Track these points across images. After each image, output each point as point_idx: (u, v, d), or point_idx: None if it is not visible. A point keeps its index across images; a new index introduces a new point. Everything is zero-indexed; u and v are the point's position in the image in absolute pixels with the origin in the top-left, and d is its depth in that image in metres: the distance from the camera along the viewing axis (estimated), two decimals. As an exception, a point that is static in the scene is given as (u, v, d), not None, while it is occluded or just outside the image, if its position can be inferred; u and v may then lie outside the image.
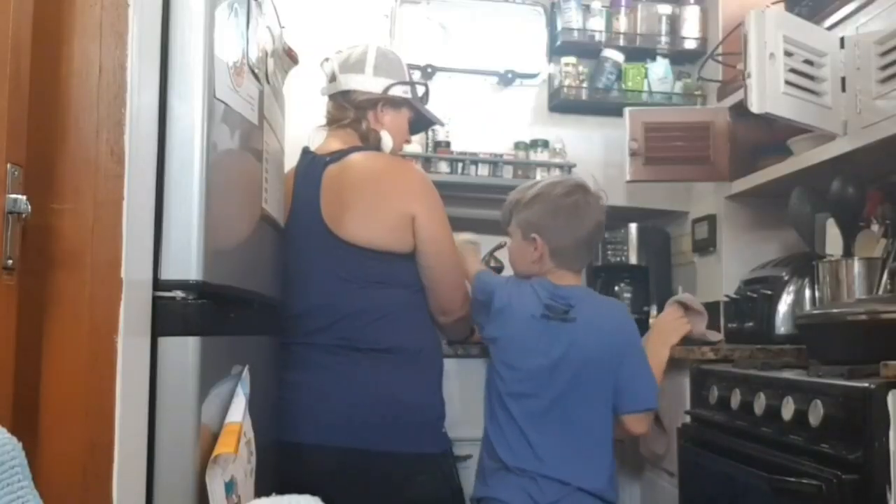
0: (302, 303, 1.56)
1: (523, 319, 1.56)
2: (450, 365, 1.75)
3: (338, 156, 1.61)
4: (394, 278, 1.57)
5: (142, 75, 0.97)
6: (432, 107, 2.50)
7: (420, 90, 1.76)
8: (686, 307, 1.80)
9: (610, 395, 1.55)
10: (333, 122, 1.70)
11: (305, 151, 1.68)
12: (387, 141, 1.67)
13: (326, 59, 1.73)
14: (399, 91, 1.70)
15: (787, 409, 1.23)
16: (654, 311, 2.41)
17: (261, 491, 1.19)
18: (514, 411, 1.53)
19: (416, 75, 2.52)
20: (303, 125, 2.19)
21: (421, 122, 1.82)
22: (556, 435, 1.51)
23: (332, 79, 1.71)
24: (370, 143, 1.67)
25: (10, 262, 0.82)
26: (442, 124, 1.94)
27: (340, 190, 1.56)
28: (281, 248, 1.53)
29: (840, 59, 1.72)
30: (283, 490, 1.42)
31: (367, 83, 1.68)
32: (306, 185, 1.60)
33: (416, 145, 2.48)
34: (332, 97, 1.72)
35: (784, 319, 1.90)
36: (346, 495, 1.42)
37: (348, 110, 1.67)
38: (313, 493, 1.44)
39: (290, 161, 1.91)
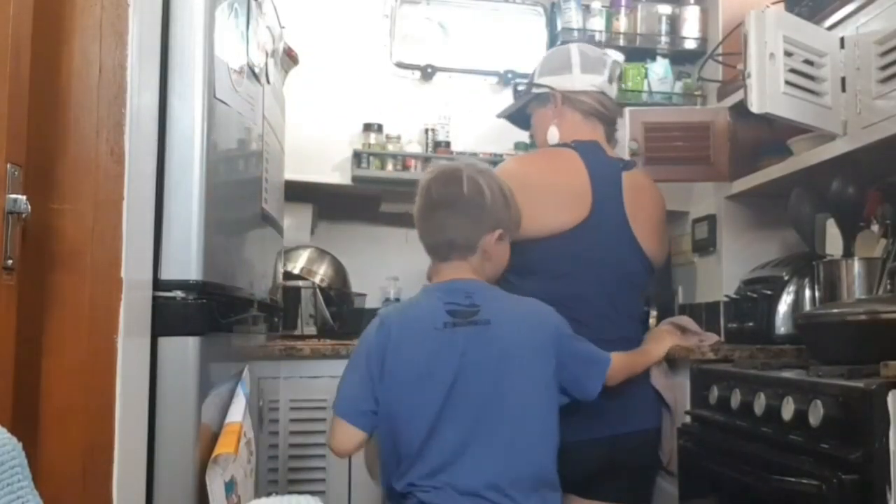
0: (586, 297, 1.57)
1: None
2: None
3: (628, 164, 1.71)
4: (643, 290, 1.72)
5: (142, 75, 0.97)
6: (433, 107, 2.52)
7: None
8: (683, 329, 1.80)
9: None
10: (610, 123, 1.75)
11: (592, 146, 1.67)
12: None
13: (615, 62, 1.77)
14: None
15: (787, 409, 1.23)
16: (653, 311, 2.41)
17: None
18: None
19: (417, 75, 2.53)
20: (303, 125, 2.21)
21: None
22: None
23: (616, 83, 1.77)
24: (629, 161, 1.78)
25: (10, 262, 0.82)
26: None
27: (639, 199, 1.65)
28: (570, 236, 1.54)
29: (840, 59, 1.72)
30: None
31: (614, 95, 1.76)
32: (605, 183, 1.63)
33: (415, 145, 2.49)
34: (611, 98, 1.75)
35: (784, 319, 1.90)
36: (645, 469, 1.65)
37: (616, 118, 1.76)
38: (639, 471, 1.60)
39: (291, 160, 1.91)
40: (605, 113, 1.72)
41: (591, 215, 1.58)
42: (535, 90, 1.74)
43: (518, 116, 1.84)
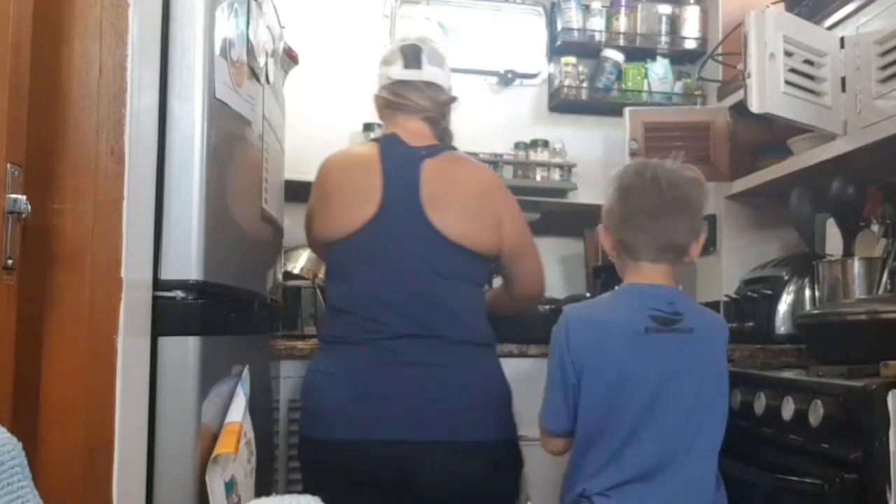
0: (389, 294, 1.50)
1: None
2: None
3: (432, 150, 1.59)
4: (477, 277, 1.58)
5: (142, 75, 0.97)
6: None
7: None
8: None
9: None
10: (413, 110, 1.61)
11: (391, 138, 1.61)
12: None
13: (404, 41, 1.67)
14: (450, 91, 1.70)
15: (788, 409, 1.23)
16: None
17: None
18: None
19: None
20: (303, 125, 2.21)
21: None
22: None
23: (416, 65, 1.62)
24: (445, 140, 1.66)
25: (11, 261, 0.82)
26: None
27: (441, 186, 1.54)
28: (360, 235, 1.50)
29: (840, 59, 1.72)
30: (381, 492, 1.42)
31: (447, 80, 1.65)
32: (400, 174, 1.55)
33: (416, 145, 2.48)
34: (408, 83, 1.62)
35: (784, 319, 1.90)
36: (467, 489, 1.45)
37: (431, 102, 1.62)
38: (429, 493, 1.44)
39: (291, 161, 1.91)
40: (404, 101, 1.61)
41: (380, 210, 1.51)
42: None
43: None
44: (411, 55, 1.62)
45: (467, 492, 1.45)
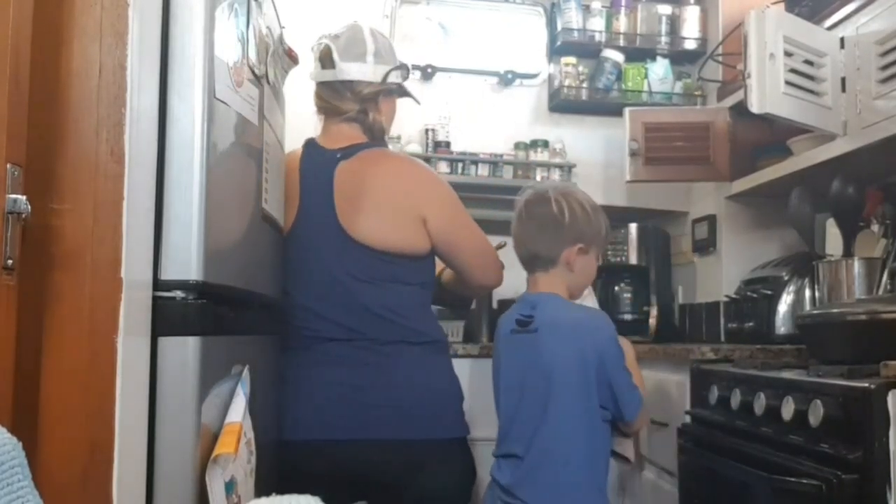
0: (318, 301, 1.53)
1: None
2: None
3: (349, 151, 1.56)
4: (408, 277, 1.56)
5: (142, 75, 0.97)
6: (435, 106, 2.52)
7: (406, 71, 1.69)
8: None
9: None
10: (335, 112, 1.60)
11: (311, 143, 1.62)
12: (387, 131, 1.68)
13: (319, 42, 1.62)
14: (395, 77, 1.64)
15: (787, 409, 1.23)
16: (654, 311, 2.41)
17: (268, 489, 1.19)
18: None
19: (417, 75, 2.53)
20: (303, 125, 2.20)
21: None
22: None
23: (330, 65, 1.59)
24: (375, 135, 1.62)
25: (10, 261, 0.82)
26: (419, 103, 1.79)
27: (355, 190, 1.52)
28: (286, 244, 1.52)
29: (840, 60, 1.72)
30: (315, 489, 1.44)
31: (370, 73, 1.59)
32: (316, 180, 1.55)
33: (415, 145, 2.49)
34: (327, 84, 1.60)
35: (784, 319, 1.90)
36: (393, 486, 1.49)
37: (351, 101, 1.59)
38: (357, 488, 1.50)
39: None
40: (320, 103, 1.62)
41: (297, 219, 1.53)
42: None
43: None
44: (324, 55, 1.60)
45: (390, 488, 1.49)
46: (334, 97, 1.60)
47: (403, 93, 1.72)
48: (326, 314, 1.53)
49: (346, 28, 1.65)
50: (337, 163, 1.56)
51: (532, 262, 1.58)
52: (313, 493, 1.46)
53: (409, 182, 1.58)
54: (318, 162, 1.58)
